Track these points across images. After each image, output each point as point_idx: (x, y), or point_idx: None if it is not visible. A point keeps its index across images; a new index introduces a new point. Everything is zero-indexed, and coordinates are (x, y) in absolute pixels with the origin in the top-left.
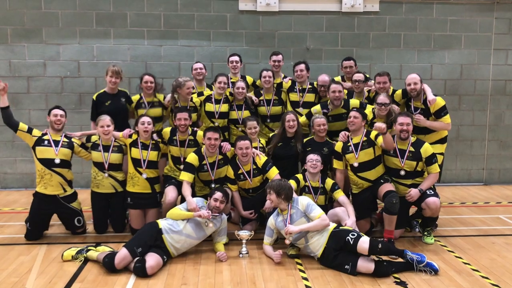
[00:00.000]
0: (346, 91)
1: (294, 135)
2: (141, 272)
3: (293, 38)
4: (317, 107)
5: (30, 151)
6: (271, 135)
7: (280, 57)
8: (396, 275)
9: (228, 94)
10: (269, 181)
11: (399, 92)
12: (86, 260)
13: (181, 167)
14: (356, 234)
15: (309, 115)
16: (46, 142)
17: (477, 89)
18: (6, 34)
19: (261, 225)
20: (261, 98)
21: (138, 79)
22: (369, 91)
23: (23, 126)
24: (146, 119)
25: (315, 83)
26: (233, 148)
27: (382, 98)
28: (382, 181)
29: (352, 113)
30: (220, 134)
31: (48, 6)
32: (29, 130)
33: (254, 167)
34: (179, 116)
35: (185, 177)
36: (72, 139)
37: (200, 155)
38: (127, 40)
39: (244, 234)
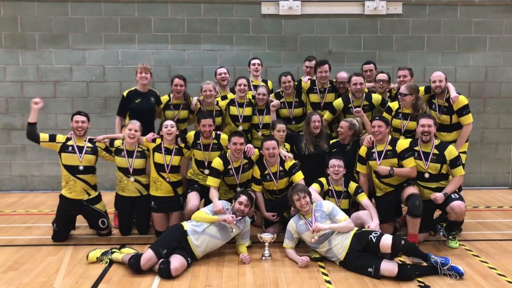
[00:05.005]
0: (366, 90)
1: (319, 135)
2: (165, 273)
3: (316, 41)
4: (338, 100)
5: (57, 154)
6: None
7: (313, 63)
8: (420, 279)
9: (251, 97)
10: (293, 185)
11: (421, 88)
12: (111, 262)
13: (205, 171)
14: (378, 233)
15: (332, 110)
16: (70, 149)
17: (502, 92)
18: (34, 40)
19: (284, 228)
20: (282, 100)
21: (162, 84)
22: (390, 91)
23: (43, 136)
24: (169, 122)
25: (334, 81)
26: (257, 150)
27: (402, 88)
28: (405, 184)
29: (376, 122)
30: (245, 138)
31: (74, 12)
32: (52, 138)
33: (281, 169)
34: (203, 122)
35: (212, 182)
36: (96, 144)
37: (225, 159)
38: (151, 45)
39: (267, 236)
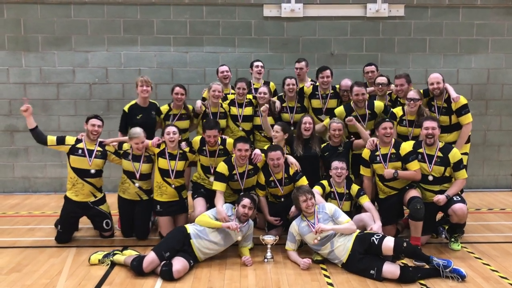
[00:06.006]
0: (368, 96)
1: (311, 137)
2: (167, 276)
3: (318, 43)
4: (340, 109)
5: (60, 156)
6: None
7: (302, 64)
8: (422, 281)
9: (251, 98)
10: (298, 186)
11: (420, 91)
12: (113, 263)
13: (211, 178)
14: (380, 235)
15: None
16: (80, 152)
17: (504, 94)
18: (37, 42)
19: (286, 231)
20: (284, 104)
21: (164, 86)
22: (390, 94)
23: (51, 140)
24: (171, 129)
25: (337, 86)
26: (263, 156)
27: (412, 93)
28: (407, 187)
29: (387, 124)
30: (250, 144)
31: (77, 14)
32: (61, 141)
33: (286, 175)
34: (208, 133)
35: (218, 186)
36: (106, 148)
37: (230, 164)
38: (154, 47)
39: (269, 238)
